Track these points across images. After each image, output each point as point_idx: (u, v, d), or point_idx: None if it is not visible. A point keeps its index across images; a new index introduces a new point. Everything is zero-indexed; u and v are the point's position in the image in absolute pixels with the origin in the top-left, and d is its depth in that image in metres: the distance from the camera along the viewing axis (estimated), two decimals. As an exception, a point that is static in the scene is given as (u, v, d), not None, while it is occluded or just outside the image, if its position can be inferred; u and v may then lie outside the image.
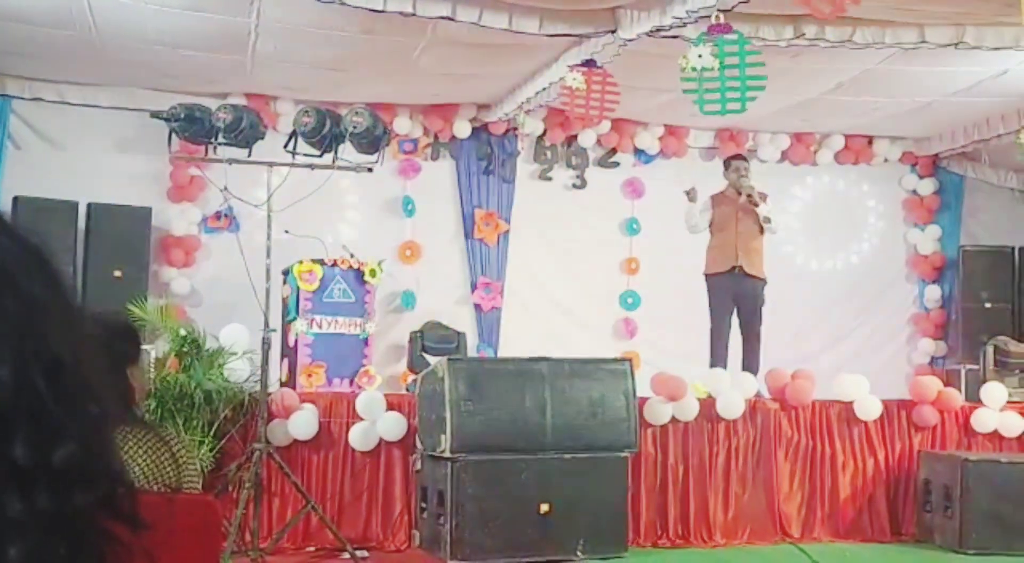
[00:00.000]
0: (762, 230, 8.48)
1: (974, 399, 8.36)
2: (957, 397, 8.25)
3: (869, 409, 7.92)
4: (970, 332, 10.47)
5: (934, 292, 11.30)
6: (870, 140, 11.06)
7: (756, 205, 8.41)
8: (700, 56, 6.46)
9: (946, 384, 8.59)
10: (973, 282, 10.73)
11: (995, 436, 8.10)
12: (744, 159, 8.89)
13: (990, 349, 8.95)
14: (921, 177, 11.35)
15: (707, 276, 8.54)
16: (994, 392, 8.21)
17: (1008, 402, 8.18)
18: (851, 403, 7.94)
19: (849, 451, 7.91)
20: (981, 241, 11.08)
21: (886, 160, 11.22)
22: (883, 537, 7.81)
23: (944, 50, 7.30)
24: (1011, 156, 9.59)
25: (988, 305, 10.64)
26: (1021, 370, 8.70)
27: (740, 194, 8.42)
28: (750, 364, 8.31)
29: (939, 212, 11.38)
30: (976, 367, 9.37)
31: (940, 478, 7.59)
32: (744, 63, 6.55)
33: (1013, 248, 10.54)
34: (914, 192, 11.39)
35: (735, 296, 8.41)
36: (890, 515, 7.92)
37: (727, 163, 8.86)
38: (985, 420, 8.08)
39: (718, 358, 8.30)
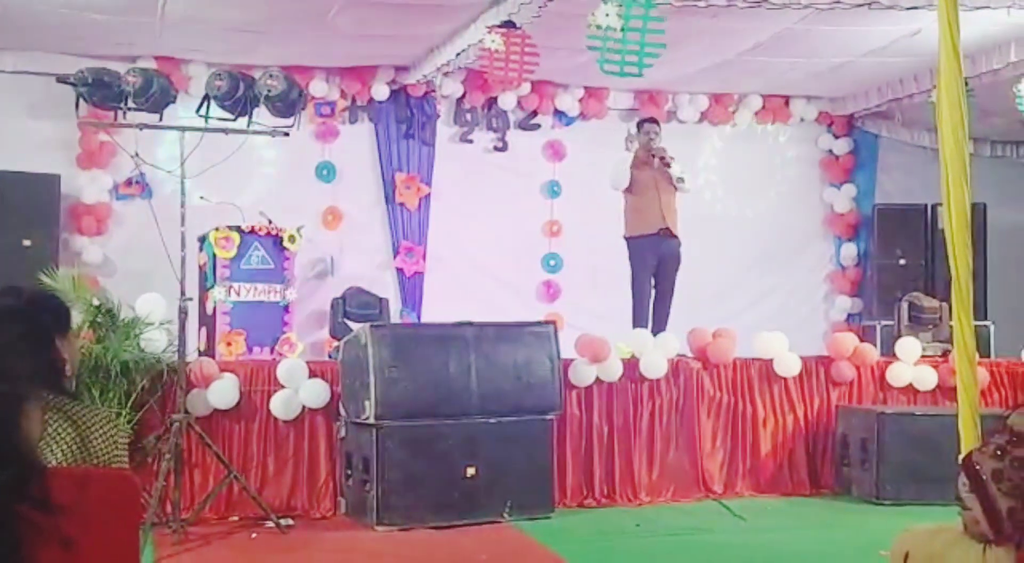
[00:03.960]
0: (676, 189, 8.53)
1: (889, 354, 8.55)
2: (873, 352, 8.43)
3: (788, 366, 8.05)
4: (885, 288, 10.70)
5: (850, 250, 11.52)
6: (787, 100, 11.19)
7: (668, 166, 8.44)
8: (607, 15, 6.45)
9: (862, 340, 8.76)
10: (888, 239, 10.95)
11: (910, 390, 8.30)
12: (654, 122, 8.86)
13: (904, 305, 9.13)
14: (836, 137, 11.53)
15: (629, 239, 8.52)
16: (908, 347, 8.40)
17: (922, 356, 8.39)
18: (771, 360, 8.06)
19: (769, 407, 8.04)
20: (895, 199, 11.29)
21: (802, 120, 11.37)
22: (803, 491, 7.98)
23: (859, 10, 7.36)
24: (924, 115, 9.75)
25: (902, 262, 10.87)
26: (934, 325, 8.89)
27: (653, 157, 8.44)
28: (661, 320, 8.36)
29: (854, 171, 11.59)
30: (891, 323, 9.57)
31: (857, 432, 7.76)
32: (646, 28, 6.55)
33: (926, 206, 10.74)
34: (830, 151, 11.57)
35: (659, 257, 8.44)
36: (809, 469, 8.09)
37: (639, 126, 8.88)
38: (900, 374, 8.27)
39: (641, 319, 8.34)
